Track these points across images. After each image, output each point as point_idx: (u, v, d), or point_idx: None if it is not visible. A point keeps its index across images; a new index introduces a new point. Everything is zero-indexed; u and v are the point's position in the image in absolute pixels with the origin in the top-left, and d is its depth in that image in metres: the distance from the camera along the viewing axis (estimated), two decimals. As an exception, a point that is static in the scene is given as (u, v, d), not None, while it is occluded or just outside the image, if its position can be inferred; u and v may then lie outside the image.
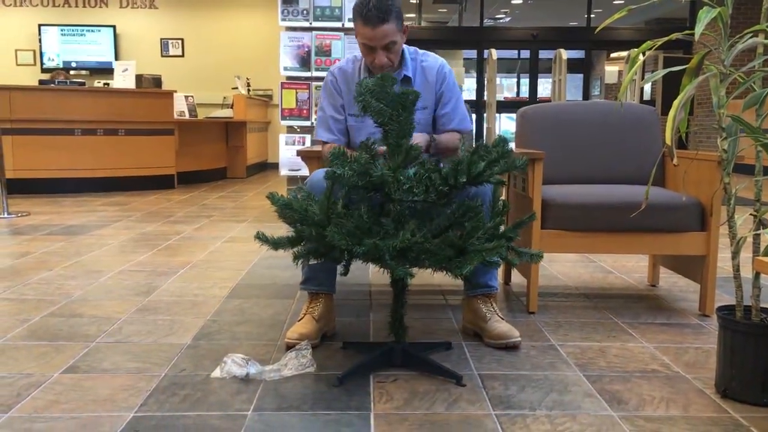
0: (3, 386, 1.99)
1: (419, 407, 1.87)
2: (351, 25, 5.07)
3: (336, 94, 2.61)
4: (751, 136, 1.88)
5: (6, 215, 5.46)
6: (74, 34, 10.96)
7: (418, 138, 2.35)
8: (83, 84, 8.57)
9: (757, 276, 1.94)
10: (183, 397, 1.93)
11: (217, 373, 2.09)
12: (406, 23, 2.49)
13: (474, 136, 2.84)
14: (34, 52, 10.99)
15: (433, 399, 1.92)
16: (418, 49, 2.63)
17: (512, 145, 2.28)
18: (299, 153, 2.75)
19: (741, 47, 1.91)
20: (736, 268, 1.99)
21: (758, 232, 1.95)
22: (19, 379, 2.05)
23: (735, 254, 1.97)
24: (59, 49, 10.98)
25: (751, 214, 1.97)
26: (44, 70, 10.86)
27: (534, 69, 12.58)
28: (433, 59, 2.62)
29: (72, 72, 10.79)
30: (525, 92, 14.54)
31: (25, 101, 7.06)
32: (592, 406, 1.89)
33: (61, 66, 10.76)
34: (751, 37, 1.90)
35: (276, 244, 2.04)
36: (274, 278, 3.38)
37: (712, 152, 2.70)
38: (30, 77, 10.50)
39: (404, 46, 2.55)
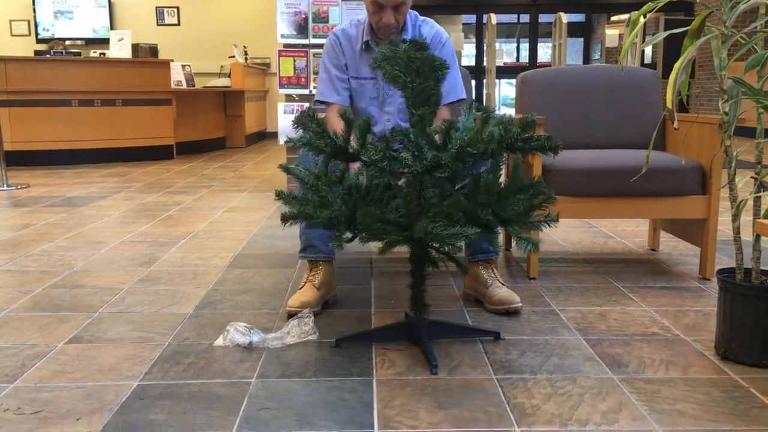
0: (7, 357, 2.01)
1: (421, 373, 1.89)
2: (348, -10, 5.01)
3: (339, 54, 2.60)
4: (753, 98, 1.87)
5: (6, 187, 5.45)
6: (69, 4, 10.82)
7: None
8: (79, 54, 8.50)
9: (757, 238, 1.94)
10: (187, 366, 1.94)
11: (220, 341, 2.10)
12: None
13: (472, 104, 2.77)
14: (29, 22, 10.87)
15: (435, 364, 1.94)
16: (417, 14, 2.61)
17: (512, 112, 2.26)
18: (295, 122, 2.73)
19: (743, 8, 1.89)
20: (737, 231, 1.99)
21: (759, 194, 1.94)
22: (23, 349, 2.07)
23: (735, 217, 1.97)
24: (54, 19, 10.85)
25: (751, 177, 1.96)
26: (39, 41, 10.76)
27: (534, 33, 12.45)
28: (429, 27, 2.60)
29: (67, 42, 10.68)
30: (525, 57, 14.41)
31: (21, 72, 7.00)
32: (593, 369, 1.91)
33: (55, 36, 10.66)
34: (753, -3, 1.88)
35: (297, 216, 1.98)
36: (274, 247, 3.39)
37: (713, 115, 2.68)
38: (25, 48, 10.41)
39: None
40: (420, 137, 1.88)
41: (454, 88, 2.58)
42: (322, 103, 2.62)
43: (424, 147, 1.87)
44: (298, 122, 1.93)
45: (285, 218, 1.94)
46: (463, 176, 1.97)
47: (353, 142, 1.91)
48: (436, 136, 1.91)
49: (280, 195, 1.97)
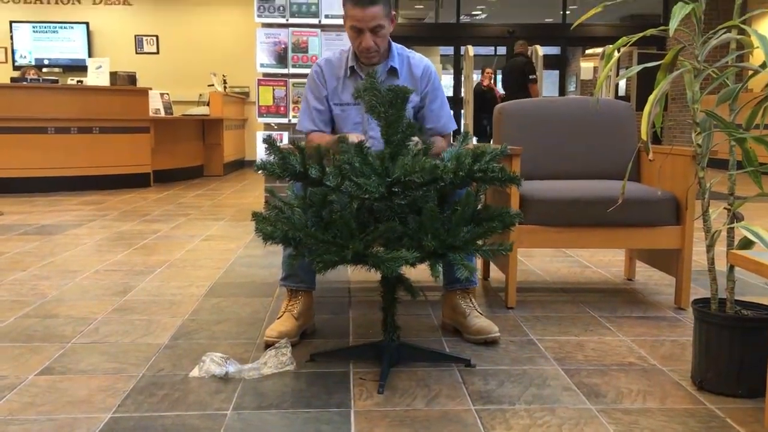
0: (-23, 389, 1.96)
1: (399, 403, 1.87)
2: (327, 21, 5.06)
3: (320, 85, 2.66)
4: (725, 131, 1.91)
5: (-22, 215, 5.37)
6: (47, 31, 10.80)
7: (353, 137, 2.29)
8: (56, 81, 8.46)
9: (731, 269, 1.96)
10: (161, 397, 1.91)
11: (195, 372, 2.07)
12: (393, 13, 2.54)
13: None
14: (6, 49, 10.82)
15: (414, 395, 1.93)
16: (404, 47, 2.69)
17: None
18: (265, 141, 2.74)
19: (714, 43, 1.94)
20: (711, 262, 2.01)
21: (732, 225, 1.97)
22: (-7, 381, 2.02)
23: (710, 247, 2.00)
24: (31, 47, 10.82)
25: (725, 208, 1.99)
26: (16, 68, 10.70)
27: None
28: (419, 57, 2.69)
29: (45, 69, 10.64)
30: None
31: (-3, 99, 6.95)
32: (571, 399, 1.91)
33: (33, 63, 10.61)
34: (724, 33, 1.93)
35: (268, 237, 2.01)
36: (252, 276, 3.37)
37: (687, 147, 2.73)
38: (1, 75, 10.34)
39: (392, 42, 2.61)
40: (363, 165, 1.92)
41: (450, 119, 2.73)
42: (302, 132, 2.73)
43: (370, 174, 1.91)
44: (266, 143, 2.01)
45: (261, 234, 2.00)
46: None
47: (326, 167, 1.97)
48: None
49: (254, 215, 2.05)
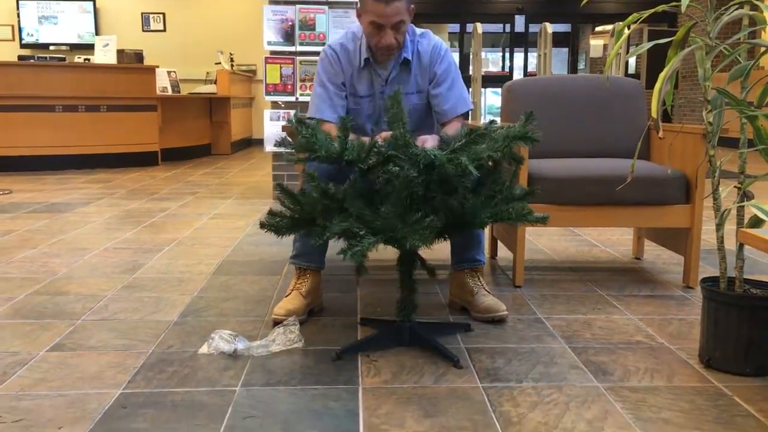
0: (-11, 365, 1.98)
1: (407, 381, 1.88)
2: (335, -2, 5.01)
3: (338, 71, 2.52)
4: (736, 109, 1.89)
5: (-13, 193, 5.40)
6: (53, 9, 10.75)
7: (431, 141, 2.28)
8: (63, 59, 8.44)
9: (740, 248, 1.95)
10: (171, 374, 1.93)
11: (204, 349, 2.09)
12: (412, 6, 2.39)
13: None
14: (12, 27, 10.79)
15: (421, 372, 1.94)
16: (415, 28, 2.54)
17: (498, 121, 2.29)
18: (284, 128, 2.73)
19: (727, 19, 1.91)
20: (721, 240, 2.00)
21: (742, 204, 1.96)
22: (4, 357, 2.04)
23: (719, 226, 1.99)
24: (38, 25, 10.78)
25: (735, 187, 1.98)
26: (23, 46, 10.69)
27: (523, 43, 12.53)
28: (427, 42, 2.53)
29: (52, 48, 10.62)
30: (510, 67, 14.47)
31: (5, 77, 6.95)
32: (578, 377, 1.91)
33: (39, 41, 10.60)
34: (736, 9, 1.90)
35: (280, 230, 2.05)
36: (260, 254, 3.38)
37: (697, 125, 2.70)
38: (9, 53, 10.33)
39: None
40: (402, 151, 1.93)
41: (460, 100, 2.55)
42: (317, 119, 2.48)
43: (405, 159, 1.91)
44: (296, 122, 1.98)
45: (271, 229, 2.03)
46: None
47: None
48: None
49: (262, 226, 2.08)
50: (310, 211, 1.99)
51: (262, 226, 2.09)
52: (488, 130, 2.01)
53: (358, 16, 2.42)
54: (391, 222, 1.85)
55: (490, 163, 2.03)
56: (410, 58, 2.50)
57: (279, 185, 2.07)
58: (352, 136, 2.04)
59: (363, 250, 1.81)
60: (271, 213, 2.10)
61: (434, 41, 2.55)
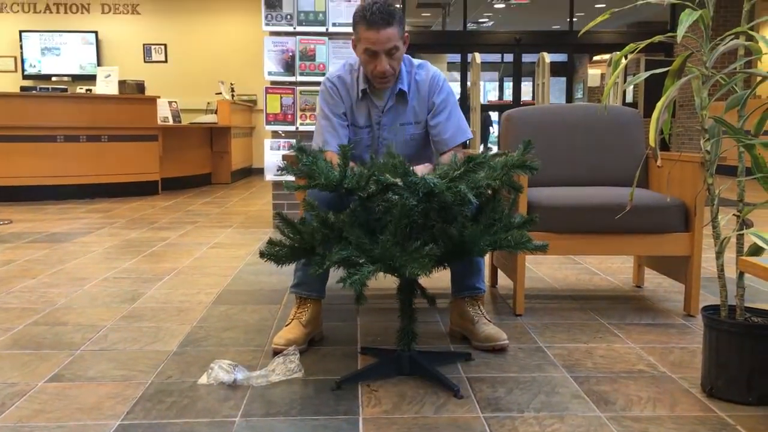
0: (-14, 396, 1.97)
1: (408, 411, 1.87)
2: (335, 29, 5.08)
3: (338, 102, 2.54)
4: (734, 137, 1.90)
5: (-12, 223, 5.40)
6: (56, 41, 10.86)
7: (421, 169, 2.29)
8: (65, 90, 8.50)
9: (741, 276, 1.95)
10: (170, 405, 1.91)
11: (204, 379, 2.08)
12: (406, 34, 2.43)
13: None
14: (15, 58, 10.90)
15: (422, 402, 1.92)
16: (412, 59, 2.57)
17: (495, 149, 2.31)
18: (285, 157, 2.74)
19: (722, 49, 1.93)
20: (721, 268, 2.00)
21: (741, 232, 1.96)
22: (3, 388, 2.03)
23: (719, 254, 1.99)
24: (40, 56, 10.88)
25: (734, 215, 1.98)
26: (25, 77, 10.77)
27: (517, 72, 12.64)
28: (425, 72, 2.56)
29: (54, 78, 10.71)
30: (508, 96, 14.60)
31: (7, 108, 7.00)
32: (580, 407, 1.90)
33: (42, 73, 10.69)
34: (732, 39, 1.92)
35: (279, 259, 2.07)
36: (260, 284, 3.37)
37: (696, 153, 2.72)
38: (11, 84, 10.41)
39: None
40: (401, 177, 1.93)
41: (459, 130, 2.57)
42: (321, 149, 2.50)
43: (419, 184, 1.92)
44: (297, 150, 1.99)
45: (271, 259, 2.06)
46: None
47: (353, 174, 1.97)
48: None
49: (262, 255, 2.09)
50: (310, 240, 2.00)
51: (262, 255, 2.09)
52: (486, 159, 2.02)
53: (354, 46, 2.46)
54: (389, 250, 1.85)
55: (489, 192, 2.04)
56: (405, 89, 2.52)
57: (278, 214, 2.08)
58: (353, 164, 2.05)
59: (362, 278, 1.81)
60: (271, 242, 2.10)
61: (432, 71, 2.58)
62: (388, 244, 1.85)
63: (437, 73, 2.58)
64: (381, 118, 2.54)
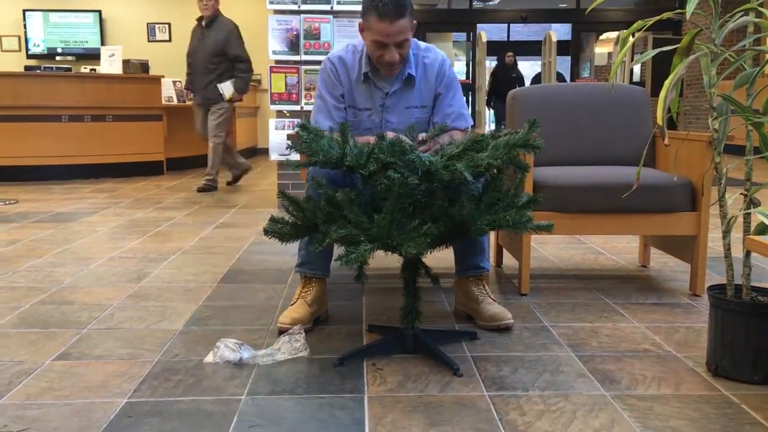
0: (-6, 374, 1.99)
1: (413, 389, 1.88)
2: (340, 8, 5.03)
3: (336, 83, 2.51)
4: (742, 115, 1.89)
5: (-6, 203, 5.42)
6: (59, 19, 10.82)
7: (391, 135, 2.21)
8: (69, 70, 8.49)
9: (747, 255, 1.95)
10: (176, 383, 1.93)
11: (210, 358, 2.09)
12: (414, 20, 2.37)
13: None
14: (19, 38, 10.86)
15: (427, 381, 1.93)
16: (418, 42, 2.53)
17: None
18: (290, 137, 2.73)
19: (732, 26, 1.91)
20: (727, 248, 1.99)
21: (749, 211, 1.95)
22: (10, 366, 2.04)
23: (726, 233, 1.98)
24: (44, 35, 10.85)
25: (741, 194, 1.97)
26: (29, 56, 10.75)
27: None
28: (433, 56, 2.53)
29: (58, 58, 10.68)
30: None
31: (11, 88, 6.99)
32: (585, 385, 1.90)
33: (46, 52, 10.65)
34: (741, 16, 1.90)
35: (283, 236, 2.08)
36: (265, 263, 3.38)
37: (703, 132, 2.70)
38: (15, 63, 10.39)
39: None
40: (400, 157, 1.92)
41: (460, 116, 2.55)
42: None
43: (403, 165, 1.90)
44: (301, 127, 1.99)
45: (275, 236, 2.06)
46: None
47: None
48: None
49: (265, 232, 2.10)
50: (312, 218, 1.99)
51: (266, 232, 2.10)
52: (485, 138, 2.01)
53: (361, 30, 2.41)
54: (386, 228, 1.85)
55: (494, 171, 2.03)
56: (414, 73, 2.49)
57: (282, 192, 2.08)
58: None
59: (359, 257, 1.81)
60: (273, 220, 2.10)
61: (440, 56, 2.55)
62: (384, 222, 1.85)
63: (445, 60, 2.56)
64: (385, 101, 2.51)
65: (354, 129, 2.44)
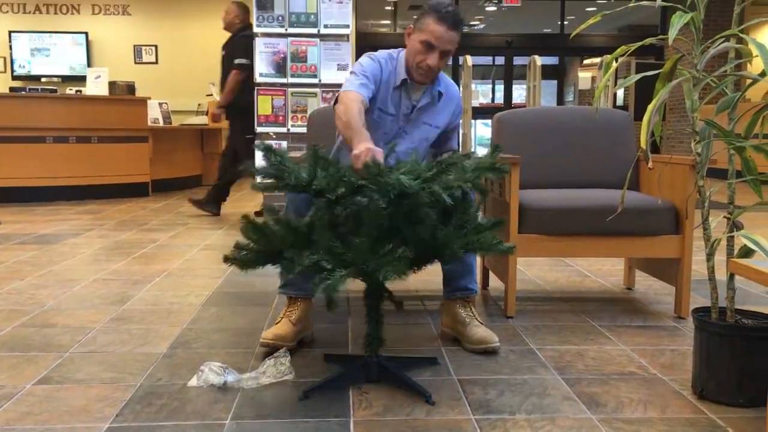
0: (-26, 399, 1.95)
1: (399, 413, 1.86)
2: (326, 31, 5.07)
3: (378, 74, 2.46)
4: (724, 140, 1.91)
5: (-24, 224, 5.36)
6: (45, 41, 10.81)
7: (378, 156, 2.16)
8: (55, 91, 8.46)
9: (731, 277, 1.96)
10: (159, 407, 1.90)
11: (194, 381, 2.06)
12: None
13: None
14: (5, 59, 10.83)
15: (413, 405, 1.92)
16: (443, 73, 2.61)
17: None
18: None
19: (713, 52, 1.94)
20: (711, 270, 2.01)
21: (732, 234, 1.97)
22: (-10, 391, 2.01)
23: (709, 256, 2.00)
24: (30, 56, 10.82)
25: (724, 217, 1.99)
26: (15, 78, 10.71)
27: (508, 75, 12.68)
28: (454, 89, 2.65)
29: (44, 79, 10.65)
30: (500, 98, 14.63)
31: (-4, 108, 6.95)
32: (571, 409, 1.90)
33: (32, 73, 10.62)
34: (723, 42, 1.93)
35: (245, 264, 2.01)
36: (250, 285, 3.36)
37: (686, 156, 2.73)
38: (1, 85, 10.34)
39: None
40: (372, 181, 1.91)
41: (454, 141, 2.73)
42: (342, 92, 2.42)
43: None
44: (264, 149, 1.97)
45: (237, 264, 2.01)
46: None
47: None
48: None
49: (226, 259, 2.04)
50: (278, 244, 1.92)
51: (226, 260, 2.01)
52: (455, 161, 2.01)
53: (408, 34, 2.47)
54: (363, 254, 1.81)
55: (458, 194, 2.03)
56: (443, 92, 2.57)
57: (244, 216, 1.99)
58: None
59: (335, 284, 1.75)
60: (238, 246, 2.01)
61: (458, 91, 2.70)
62: (363, 246, 1.81)
63: (460, 95, 2.73)
64: (409, 111, 2.53)
65: (373, 128, 2.40)
